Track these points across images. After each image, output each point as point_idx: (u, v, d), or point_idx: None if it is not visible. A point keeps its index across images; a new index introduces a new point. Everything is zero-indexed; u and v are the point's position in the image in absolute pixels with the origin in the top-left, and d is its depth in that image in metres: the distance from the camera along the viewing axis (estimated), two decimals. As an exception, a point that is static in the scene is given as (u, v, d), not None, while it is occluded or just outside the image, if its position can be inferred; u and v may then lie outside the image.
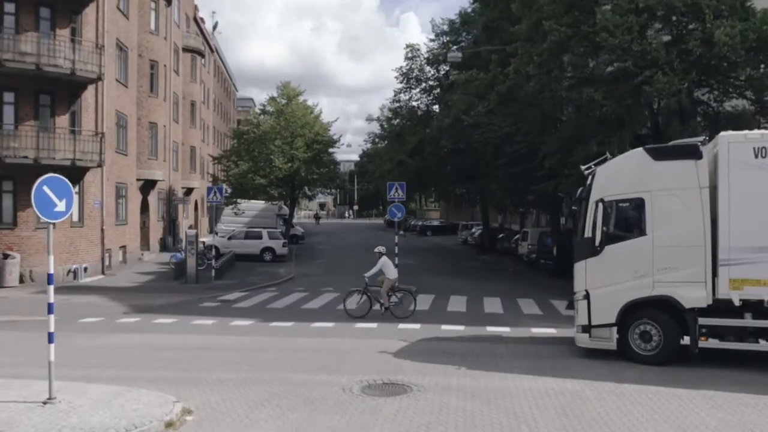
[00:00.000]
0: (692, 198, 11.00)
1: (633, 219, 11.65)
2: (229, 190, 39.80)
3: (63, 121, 23.59)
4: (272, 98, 39.67)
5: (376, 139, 65.44)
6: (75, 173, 23.72)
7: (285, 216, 44.32)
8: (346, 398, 9.11)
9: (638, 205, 11.43)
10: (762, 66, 17.06)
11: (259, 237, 34.04)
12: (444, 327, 15.27)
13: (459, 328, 15.16)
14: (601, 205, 11.51)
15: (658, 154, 11.44)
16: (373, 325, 15.55)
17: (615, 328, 11.43)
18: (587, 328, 11.69)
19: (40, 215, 8.08)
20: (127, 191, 29.65)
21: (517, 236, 36.26)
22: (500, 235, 39.63)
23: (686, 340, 11.23)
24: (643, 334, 11.35)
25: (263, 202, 41.27)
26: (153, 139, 33.97)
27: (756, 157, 10.56)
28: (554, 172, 21.23)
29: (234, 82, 76.62)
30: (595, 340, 11.68)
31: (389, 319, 16.04)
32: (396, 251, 22.04)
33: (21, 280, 22.58)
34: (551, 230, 29.67)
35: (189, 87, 44.16)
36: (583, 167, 12.51)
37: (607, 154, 12.62)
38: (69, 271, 23.75)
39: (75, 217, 24.15)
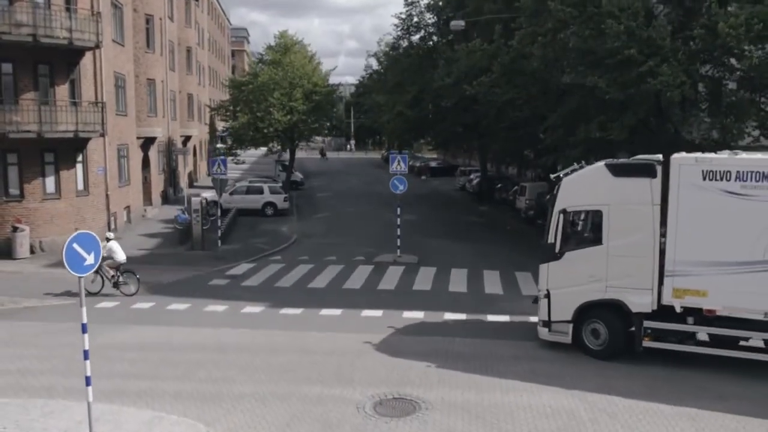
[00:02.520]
0: (645, 213, 12.04)
1: (591, 229, 12.88)
2: (229, 141, 39.85)
3: (63, 90, 23.42)
4: (270, 47, 39.01)
5: (374, 75, 64.48)
6: (78, 143, 23.90)
7: (285, 162, 44.52)
8: (360, 421, 9.85)
9: (597, 216, 12.63)
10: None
11: (260, 192, 34.41)
12: (447, 316, 15.99)
13: (461, 317, 15.89)
14: (563, 215, 12.79)
15: (617, 171, 12.40)
16: (379, 313, 16.25)
17: (571, 325, 12.91)
18: (548, 323, 13.27)
19: (70, 270, 8.44)
20: (128, 151, 29.74)
21: (515, 188, 36.64)
22: (498, 185, 40.00)
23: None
24: (593, 331, 12.82)
25: (263, 148, 41.46)
26: (151, 95, 33.67)
27: (704, 179, 11.49)
28: (556, 145, 21.44)
29: (227, 15, 74.61)
30: (554, 333, 13.24)
31: (394, 307, 16.69)
32: (398, 226, 22.72)
33: (32, 251, 23.11)
34: (549, 189, 30.03)
35: (184, 33, 43.22)
36: (552, 176, 13.52)
37: (575, 164, 13.40)
38: (77, 240, 24.21)
39: (80, 186, 24.47)
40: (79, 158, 24.36)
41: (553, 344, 13.37)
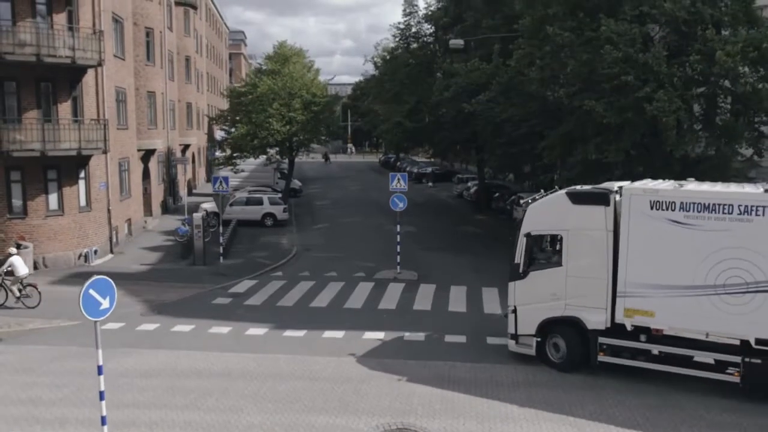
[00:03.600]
0: (600, 238, 13.08)
1: (552, 252, 14.08)
2: (228, 151, 40.09)
3: (65, 108, 23.63)
4: (269, 57, 39.26)
5: (372, 80, 64.71)
6: (81, 160, 24.12)
7: (284, 170, 44.74)
8: (366, 455, 10.16)
9: (557, 240, 13.78)
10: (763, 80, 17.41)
11: (260, 203, 34.66)
12: (447, 338, 16.29)
13: (462, 340, 16.18)
14: (527, 238, 13.96)
15: (576, 199, 13.48)
16: (381, 335, 16.53)
17: (535, 339, 14.05)
18: (515, 337, 14.43)
19: (87, 315, 8.72)
20: (129, 164, 29.95)
21: (513, 197, 36.96)
22: (496, 194, 40.31)
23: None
24: (554, 345, 13.91)
25: (263, 157, 41.67)
26: (151, 108, 33.90)
27: (651, 208, 12.46)
28: (553, 164, 21.75)
29: (225, 20, 74.74)
30: (520, 346, 14.39)
31: (396, 328, 16.98)
32: (398, 243, 23.09)
33: (35, 267, 23.32)
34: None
35: (183, 42, 43.41)
36: (522, 201, 14.87)
37: (542, 191, 14.56)
38: (80, 255, 24.47)
39: (83, 202, 24.69)
40: (82, 174, 24.58)
41: (550, 369, 13.77)
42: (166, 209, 38.00)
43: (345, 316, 18.34)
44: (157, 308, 19.19)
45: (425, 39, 40.62)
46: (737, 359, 12.01)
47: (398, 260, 23.41)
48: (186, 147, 45.22)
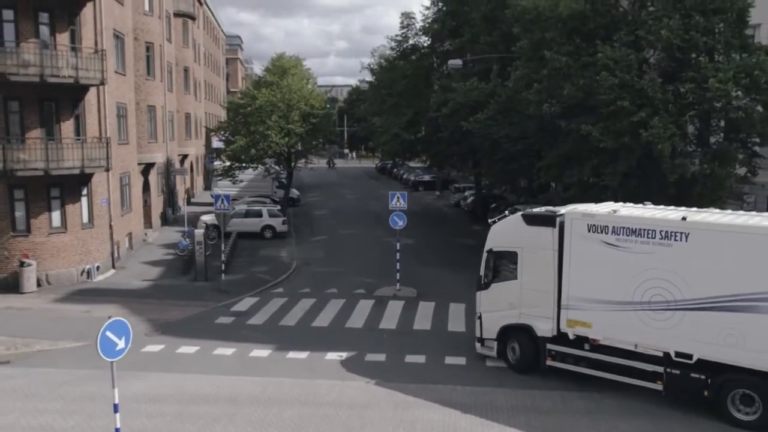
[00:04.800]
0: (548, 256, 14.63)
1: (509, 266, 15.66)
2: (227, 162, 40.33)
3: (68, 126, 23.89)
4: (267, 69, 39.55)
5: (369, 86, 65.08)
6: (83, 178, 24.37)
7: (282, 180, 44.99)
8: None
9: (513, 256, 15.47)
10: (755, 106, 17.83)
11: (259, 215, 34.92)
12: (448, 360, 16.63)
13: (462, 362, 16.52)
14: (490, 254, 15.91)
15: (529, 220, 15.17)
16: (382, 357, 16.86)
17: (496, 342, 15.89)
18: (481, 340, 16.31)
19: (103, 356, 9.02)
20: (130, 178, 30.22)
21: (509, 209, 37.29)
22: (493, 205, 40.61)
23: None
24: (512, 348, 15.64)
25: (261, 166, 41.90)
26: (152, 121, 34.19)
27: (588, 231, 14.00)
28: (549, 184, 22.11)
29: (222, 26, 74.98)
30: (485, 348, 16.29)
31: (396, 349, 17.33)
32: (398, 261, 23.55)
33: (38, 284, 23.57)
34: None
35: (182, 53, 43.70)
36: (490, 221, 16.89)
37: (506, 212, 16.48)
38: (83, 272, 24.72)
39: (85, 219, 24.94)
40: (84, 191, 24.83)
41: (546, 395, 14.21)
42: (165, 220, 38.24)
43: (346, 337, 18.65)
44: (161, 328, 19.46)
45: (423, 50, 40.94)
46: (661, 369, 13.25)
47: (398, 277, 23.73)
48: (184, 157, 45.47)
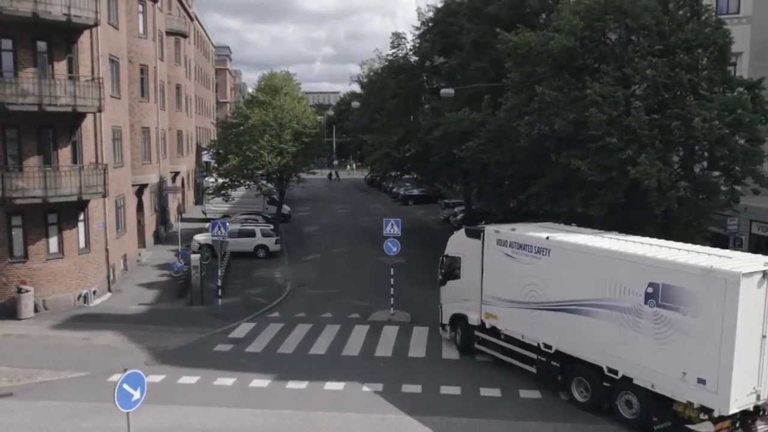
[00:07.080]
0: (476, 261, 18.81)
1: (456, 268, 20.04)
2: (219, 180, 40.58)
3: (65, 153, 24.17)
4: (260, 89, 39.93)
5: (356, 94, 65.59)
6: (80, 204, 24.62)
7: (274, 196, 45.26)
8: None
9: (458, 261, 19.91)
10: (740, 142, 18.53)
11: (252, 235, 35.28)
12: (443, 390, 17.09)
13: (456, 392, 16.98)
14: (446, 257, 20.43)
15: (468, 234, 19.59)
16: (379, 387, 17.28)
17: (449, 327, 20.49)
18: (443, 326, 20.84)
19: (120, 408, 9.39)
20: (124, 200, 30.48)
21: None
22: (483, 222, 41.20)
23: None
24: (456, 332, 20.04)
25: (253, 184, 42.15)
26: (146, 143, 34.42)
27: (497, 244, 18.08)
28: (539, 212, 22.68)
29: (211, 39, 75.22)
30: (444, 332, 20.83)
31: (393, 379, 17.76)
32: (392, 286, 24.03)
33: (36, 310, 23.76)
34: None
35: (174, 71, 43.99)
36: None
37: (464, 228, 20.55)
38: (80, 296, 24.94)
39: (82, 244, 25.18)
40: (81, 217, 25.07)
41: (540, 427, 14.75)
42: (158, 238, 38.45)
43: (343, 365, 19.06)
44: (161, 356, 19.76)
45: (413, 68, 41.39)
46: (535, 356, 16.95)
47: (392, 302, 24.17)
48: (176, 174, 45.67)
